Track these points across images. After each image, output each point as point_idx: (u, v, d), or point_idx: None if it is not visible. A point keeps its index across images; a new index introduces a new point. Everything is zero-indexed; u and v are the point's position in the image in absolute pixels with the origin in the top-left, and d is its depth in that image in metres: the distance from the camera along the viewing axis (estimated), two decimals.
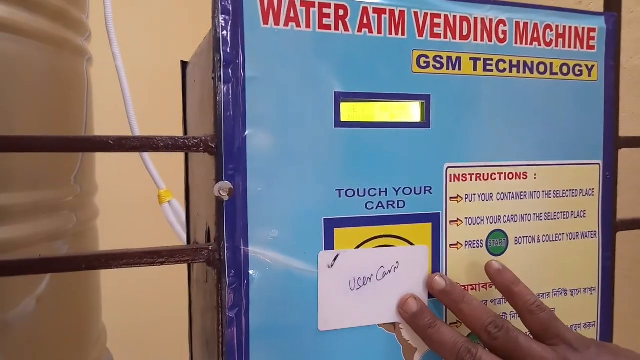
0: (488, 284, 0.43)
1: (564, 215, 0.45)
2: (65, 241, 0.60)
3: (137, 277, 0.94)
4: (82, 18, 0.65)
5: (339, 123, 0.38)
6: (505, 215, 0.43)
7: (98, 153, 0.69)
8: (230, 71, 0.35)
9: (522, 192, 0.44)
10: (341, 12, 0.37)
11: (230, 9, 0.35)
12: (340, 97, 0.38)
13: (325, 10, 0.37)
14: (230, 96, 0.35)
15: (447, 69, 0.41)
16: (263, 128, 0.36)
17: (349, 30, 0.38)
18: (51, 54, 0.56)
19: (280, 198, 0.37)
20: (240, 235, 0.36)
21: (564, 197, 0.45)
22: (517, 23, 0.43)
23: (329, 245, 0.38)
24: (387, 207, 0.40)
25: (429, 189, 0.41)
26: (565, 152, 0.45)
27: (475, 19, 0.41)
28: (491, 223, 0.43)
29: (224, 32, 0.35)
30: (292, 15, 0.36)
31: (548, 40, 0.44)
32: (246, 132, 0.36)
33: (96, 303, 0.71)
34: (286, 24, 0.36)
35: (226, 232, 0.36)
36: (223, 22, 0.35)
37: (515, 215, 0.44)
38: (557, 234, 0.45)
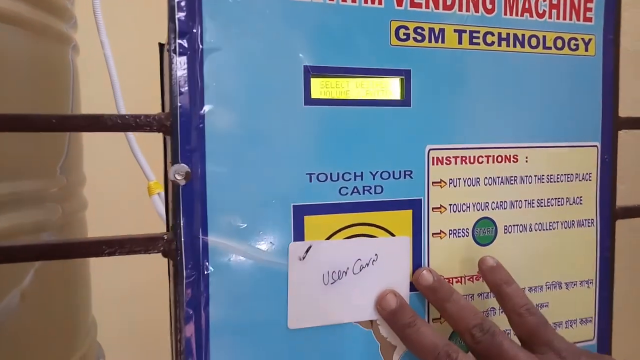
0: (475, 277, 0.39)
1: (559, 201, 0.42)
2: (50, 233, 0.58)
3: (129, 267, 0.92)
4: (66, 4, 0.62)
5: (309, 100, 0.35)
6: (493, 202, 0.40)
7: (86, 143, 0.67)
8: (186, 42, 0.32)
9: (512, 176, 0.40)
10: None
11: None
12: (311, 72, 0.34)
13: None
14: (186, 70, 0.32)
15: (429, 41, 0.37)
16: (224, 105, 0.33)
17: None
18: (31, 41, 0.53)
19: (243, 182, 0.33)
20: (198, 223, 0.33)
21: (558, 182, 0.42)
22: None
23: (299, 234, 0.35)
24: (363, 193, 0.36)
25: (409, 173, 0.37)
26: (559, 133, 0.42)
27: None
28: (478, 210, 0.40)
29: (179, 1, 0.32)
30: None
31: (541, 11, 0.40)
32: (204, 109, 0.32)
33: (85, 296, 0.68)
34: None
35: (183, 220, 0.32)
36: None
37: (505, 201, 0.40)
38: (550, 222, 0.42)
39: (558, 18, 0.41)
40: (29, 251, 0.30)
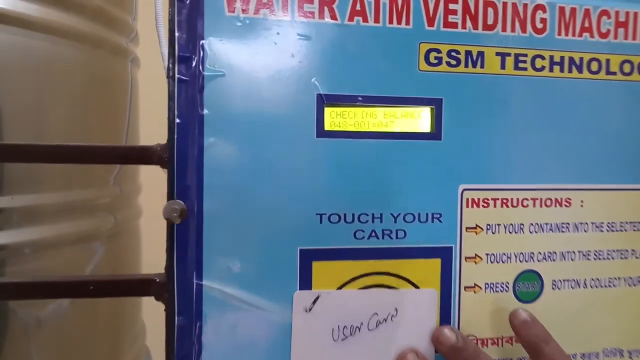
0: (514, 339, 0.34)
1: (621, 254, 0.35)
2: (102, 242, 0.59)
3: None
4: (126, 18, 0.62)
5: (322, 132, 0.31)
6: (540, 252, 0.34)
7: None
8: (186, 67, 0.29)
9: (563, 223, 0.35)
10: None
11: None
12: (325, 100, 0.31)
13: None
14: (185, 98, 0.29)
15: (466, 66, 0.32)
16: (225, 137, 0.30)
17: (337, 19, 0.31)
18: (88, 54, 0.53)
19: (244, 222, 0.30)
20: (193, 266, 0.30)
21: (620, 230, 0.35)
22: (562, 9, 0.34)
23: (306, 282, 0.31)
24: (383, 238, 0.32)
25: (438, 216, 0.33)
26: (622, 174, 0.35)
27: (505, 3, 0.33)
28: (521, 261, 0.34)
29: (180, 22, 0.29)
30: (264, 0, 0.30)
31: (604, 31, 0.34)
32: (204, 141, 0.29)
33: (135, 300, 0.69)
34: (257, 12, 0.30)
35: (177, 262, 0.30)
36: (178, 9, 0.29)
37: (554, 252, 0.34)
38: (610, 279, 0.35)
39: (626, 38, 0.35)
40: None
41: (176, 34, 0.29)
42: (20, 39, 0.44)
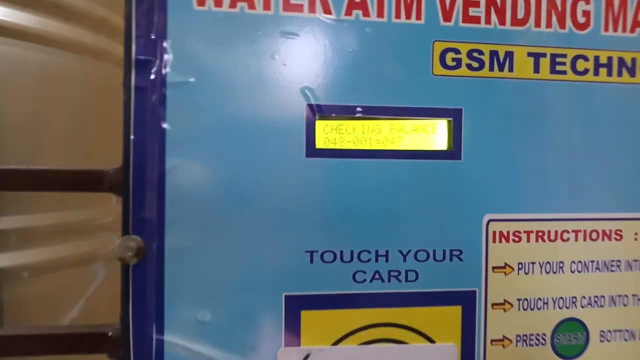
0: None
1: None
2: (103, 263, 0.56)
3: None
4: None
5: (312, 150, 0.25)
6: (584, 297, 0.28)
7: None
8: (144, 73, 0.24)
9: (613, 260, 0.28)
10: None
11: None
12: (316, 112, 0.25)
13: None
14: (144, 110, 0.24)
15: (490, 69, 0.26)
16: (193, 158, 0.24)
17: (331, 13, 0.25)
18: (90, 66, 0.51)
19: (216, 262, 0.24)
20: (152, 317, 0.24)
21: None
22: (610, 0, 0.27)
23: (293, 336, 0.25)
24: (389, 281, 0.26)
25: (457, 253, 0.26)
26: None
27: None
28: (560, 308, 0.28)
29: (138, 17, 0.24)
30: None
31: None
32: (165, 163, 0.24)
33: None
34: (233, 5, 0.24)
35: (133, 312, 0.24)
36: (136, 2, 0.24)
37: (602, 297, 0.28)
38: None
39: None
40: None
41: (132, 33, 0.24)
42: (19, 50, 0.43)
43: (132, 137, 0.24)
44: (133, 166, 0.24)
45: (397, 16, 0.26)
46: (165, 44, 0.24)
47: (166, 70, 0.24)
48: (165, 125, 0.24)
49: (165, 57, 0.24)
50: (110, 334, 0.24)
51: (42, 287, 0.44)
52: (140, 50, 0.24)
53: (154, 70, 0.24)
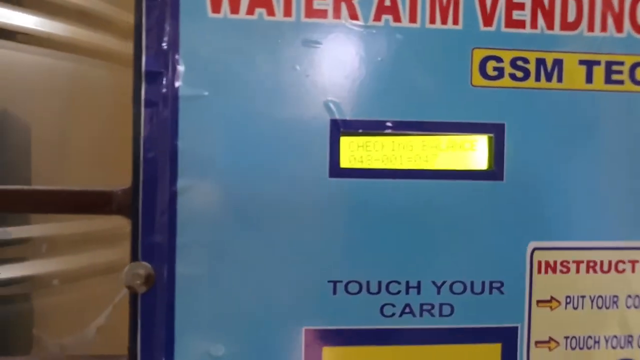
0: None
1: None
2: None
3: None
4: None
5: (337, 170, 0.23)
6: None
7: None
8: (155, 87, 0.22)
9: None
10: None
11: None
12: (341, 128, 0.23)
13: None
14: (155, 126, 0.22)
15: (537, 80, 0.24)
16: (206, 178, 0.22)
17: (358, 19, 0.23)
18: (120, 74, 0.51)
19: (229, 291, 0.22)
20: (162, 350, 0.22)
21: None
22: None
23: None
24: (422, 315, 0.23)
25: (498, 285, 0.24)
26: None
27: None
28: (614, 347, 0.25)
29: (148, 27, 0.22)
30: None
31: None
32: (177, 185, 0.22)
33: None
34: (251, 11, 0.22)
35: (141, 343, 0.22)
36: (147, 10, 0.22)
37: None
38: None
39: None
40: None
41: (142, 43, 0.22)
42: (48, 60, 0.43)
43: (142, 155, 0.22)
44: (143, 187, 0.22)
45: (432, 21, 0.23)
46: (177, 55, 0.22)
47: (178, 83, 0.22)
48: (177, 143, 0.22)
49: (178, 68, 0.22)
50: None
51: (71, 295, 0.44)
52: (150, 62, 0.22)
53: (165, 83, 0.22)
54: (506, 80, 0.23)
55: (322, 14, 0.23)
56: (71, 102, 0.44)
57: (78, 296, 0.46)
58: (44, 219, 0.44)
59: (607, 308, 0.25)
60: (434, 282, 0.23)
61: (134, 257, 0.22)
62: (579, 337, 0.24)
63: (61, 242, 0.44)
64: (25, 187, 0.22)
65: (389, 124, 0.23)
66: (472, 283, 0.24)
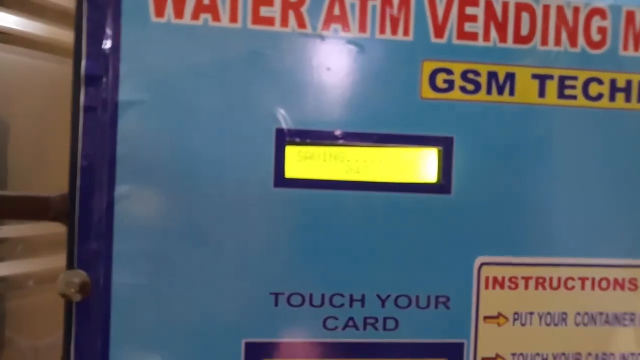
0: None
1: None
2: None
3: None
4: None
5: (281, 180, 0.22)
6: (590, 354, 0.24)
7: None
8: (95, 91, 0.21)
9: (625, 313, 0.25)
10: None
11: None
12: (287, 137, 0.22)
13: None
14: (94, 132, 0.21)
15: (488, 93, 0.23)
16: (144, 185, 0.22)
17: (305, 27, 0.22)
18: None
19: (168, 302, 0.22)
20: None
21: None
22: (630, 14, 0.24)
23: None
24: (365, 329, 0.23)
25: (444, 300, 0.23)
26: None
27: (546, 6, 0.23)
28: None
29: (89, 29, 0.21)
30: (206, 1, 0.22)
31: None
32: (115, 192, 0.22)
33: None
34: (195, 16, 0.22)
35: (75, 355, 0.22)
36: (88, 13, 0.21)
37: (611, 354, 0.25)
38: None
39: None
40: None
41: (83, 46, 0.21)
42: (26, 59, 0.42)
43: (79, 160, 0.21)
44: (80, 193, 0.21)
45: (382, 31, 0.23)
46: (118, 59, 0.21)
47: (118, 88, 0.21)
48: (116, 148, 0.21)
49: (118, 73, 0.21)
50: None
51: (45, 296, 0.43)
52: (90, 66, 0.21)
53: (105, 87, 0.21)
54: (456, 93, 0.23)
55: (270, 21, 0.22)
56: (50, 100, 0.44)
57: (52, 297, 0.46)
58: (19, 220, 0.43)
59: (555, 325, 0.24)
60: (378, 296, 0.23)
61: (70, 265, 0.22)
62: (527, 355, 0.24)
63: (38, 243, 0.44)
64: None
65: (336, 134, 0.23)
66: (417, 297, 0.23)
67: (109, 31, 0.21)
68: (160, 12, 0.22)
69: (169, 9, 0.22)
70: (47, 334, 0.43)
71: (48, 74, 0.43)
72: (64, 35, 0.44)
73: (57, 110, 0.44)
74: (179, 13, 0.22)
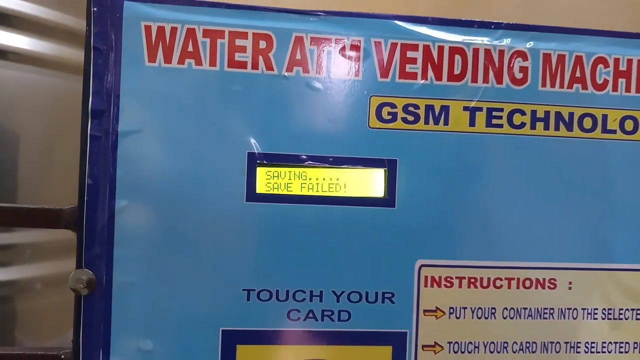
0: None
1: (620, 347, 0.29)
2: None
3: None
4: None
5: (252, 195, 0.27)
6: (515, 342, 0.29)
7: None
8: (99, 123, 0.26)
9: (546, 308, 0.29)
10: (263, 44, 0.27)
11: (106, 45, 0.26)
12: (257, 160, 0.27)
13: (239, 42, 0.27)
14: (99, 156, 0.26)
15: (426, 123, 0.28)
16: (140, 200, 0.26)
17: (273, 69, 0.27)
18: None
19: (159, 296, 0.27)
20: (99, 343, 0.26)
21: (619, 319, 0.29)
22: (547, 56, 0.29)
23: None
24: (322, 320, 0.28)
25: (390, 295, 0.28)
26: (623, 251, 0.29)
27: (475, 49, 0.28)
28: (492, 352, 0.29)
29: (95, 72, 0.26)
30: (190, 49, 0.27)
31: (600, 81, 0.29)
32: (115, 205, 0.26)
33: None
34: (181, 61, 0.27)
35: (83, 338, 0.26)
36: (94, 58, 0.26)
37: (533, 342, 0.29)
38: None
39: (628, 90, 0.29)
40: None
41: (90, 86, 0.26)
42: (36, 76, 0.45)
43: (86, 179, 0.26)
44: (87, 206, 0.26)
45: (336, 73, 0.27)
46: (118, 96, 0.26)
47: (118, 121, 0.26)
48: (116, 170, 0.26)
49: (117, 108, 0.26)
50: (62, 357, 0.27)
51: (52, 298, 0.46)
52: (96, 102, 0.26)
53: (107, 120, 0.26)
54: (399, 123, 0.28)
55: (243, 65, 0.27)
56: (56, 117, 0.46)
57: (59, 300, 0.46)
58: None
59: (485, 318, 0.29)
60: (334, 292, 0.28)
61: (79, 265, 0.26)
62: (461, 342, 0.29)
63: (46, 248, 0.46)
64: None
65: (300, 157, 0.27)
66: (367, 293, 0.28)
67: (111, 74, 0.26)
68: (152, 57, 0.26)
69: (160, 55, 0.26)
70: (54, 334, 0.46)
71: (55, 89, 0.46)
72: (71, 53, 0.47)
73: (63, 123, 0.47)
74: (168, 58, 0.26)
